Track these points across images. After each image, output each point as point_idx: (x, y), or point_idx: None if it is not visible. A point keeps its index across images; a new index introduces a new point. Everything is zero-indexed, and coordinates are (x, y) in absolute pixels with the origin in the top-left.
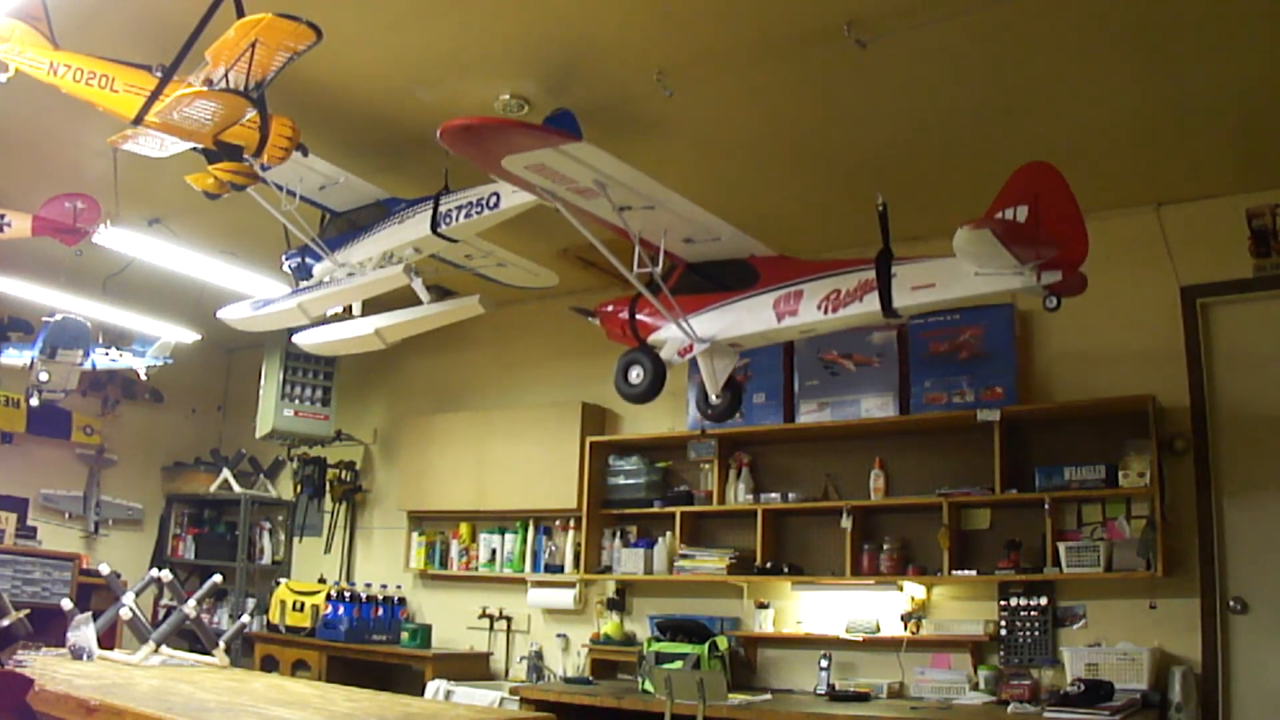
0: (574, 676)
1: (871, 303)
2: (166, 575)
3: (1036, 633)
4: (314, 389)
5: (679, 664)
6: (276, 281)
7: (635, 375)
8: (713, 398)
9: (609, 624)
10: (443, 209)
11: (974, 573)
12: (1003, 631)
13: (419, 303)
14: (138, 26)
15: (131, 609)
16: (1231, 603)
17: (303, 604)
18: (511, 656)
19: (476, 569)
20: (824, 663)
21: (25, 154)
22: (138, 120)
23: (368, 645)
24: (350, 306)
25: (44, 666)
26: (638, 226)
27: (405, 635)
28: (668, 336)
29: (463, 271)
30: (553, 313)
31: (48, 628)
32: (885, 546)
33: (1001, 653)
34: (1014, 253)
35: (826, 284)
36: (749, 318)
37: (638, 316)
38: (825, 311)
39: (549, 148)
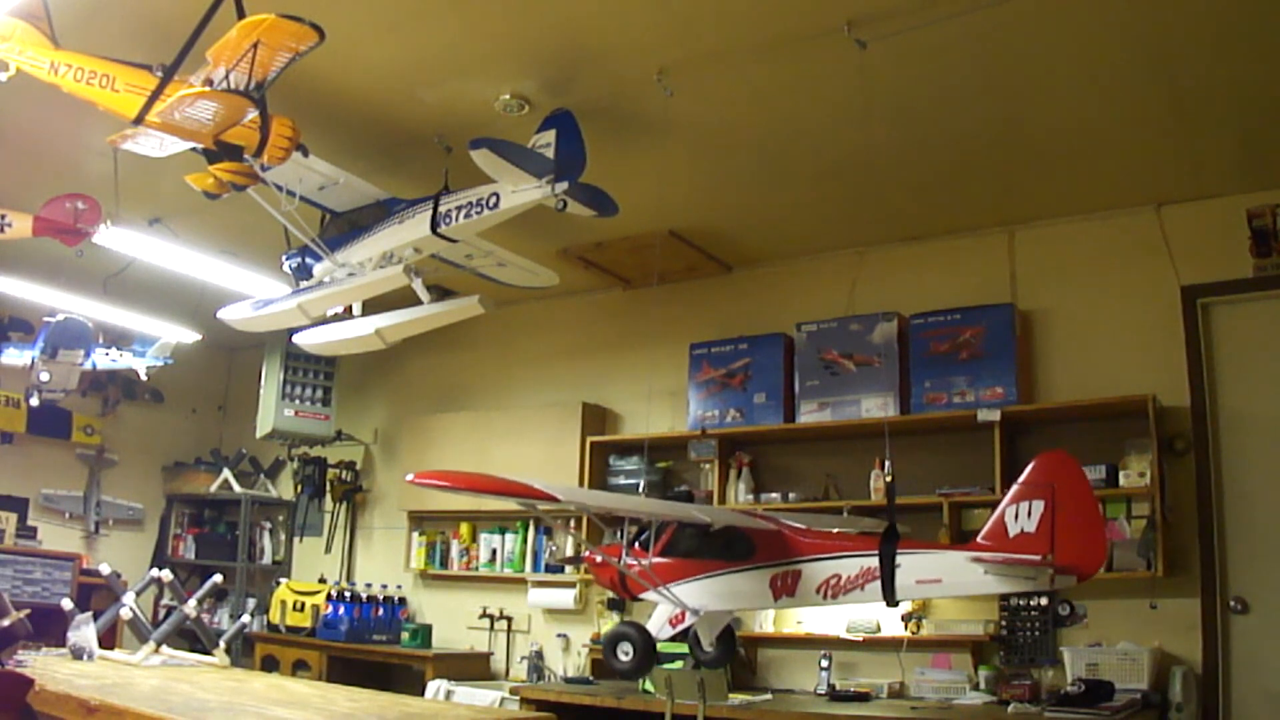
0: (574, 676)
1: (873, 592)
2: (167, 575)
3: (1037, 633)
4: (314, 389)
5: (679, 664)
6: (276, 281)
7: (624, 652)
8: (706, 646)
9: (609, 624)
10: (443, 209)
11: None
12: (1003, 631)
13: (419, 303)
14: (138, 26)
15: (132, 609)
16: (1231, 603)
17: (303, 604)
18: (512, 656)
19: (477, 569)
20: (824, 663)
21: (25, 154)
22: (138, 120)
23: (368, 645)
24: (350, 306)
25: (44, 666)
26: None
27: (405, 635)
28: (659, 598)
29: (463, 271)
30: (553, 313)
31: (48, 628)
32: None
33: (1002, 653)
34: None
35: (827, 567)
36: (745, 592)
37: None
38: (825, 595)
39: (528, 497)
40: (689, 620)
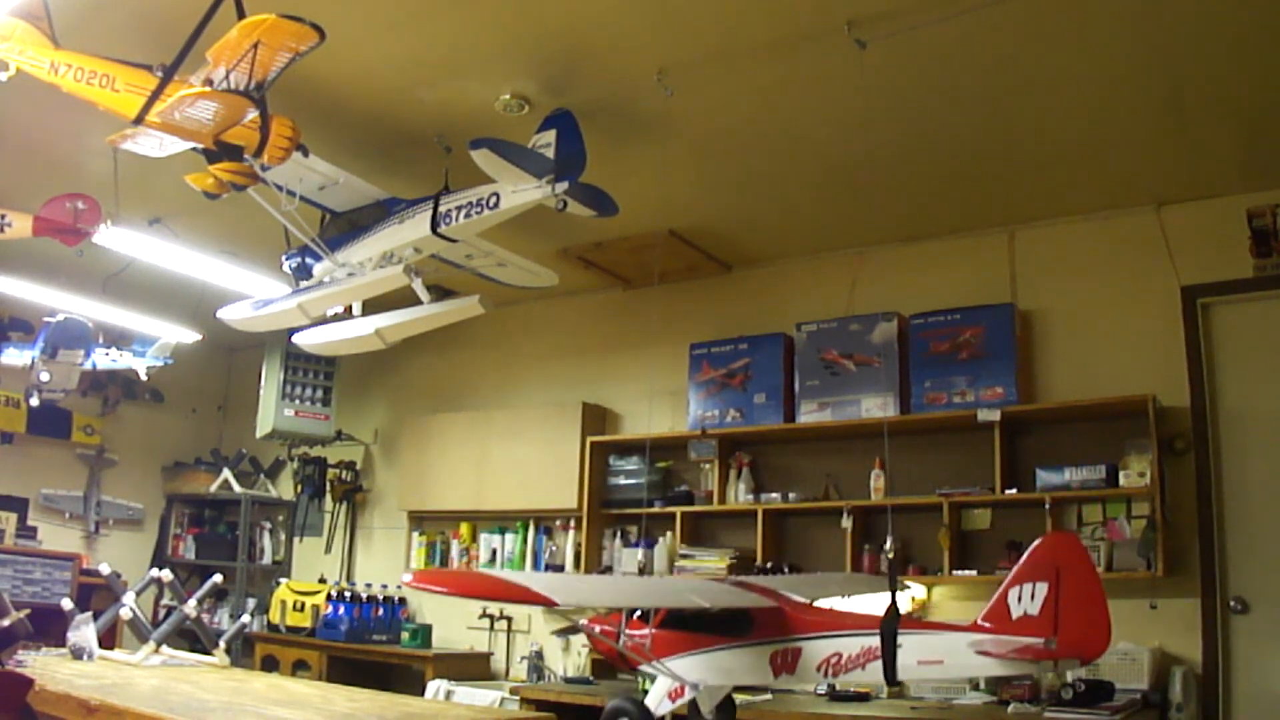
0: (574, 676)
1: (874, 671)
2: (167, 575)
3: None
4: (314, 389)
5: None
6: (276, 281)
7: None
8: (705, 714)
9: None
10: (443, 209)
11: (974, 573)
12: None
13: (419, 303)
14: (139, 26)
15: (132, 609)
16: (1231, 603)
17: (303, 604)
18: (512, 656)
19: (477, 569)
20: None
21: (25, 154)
22: (139, 120)
23: (368, 645)
24: (350, 306)
25: (44, 666)
26: None
27: (405, 635)
28: (658, 672)
29: (463, 271)
30: (553, 313)
31: (48, 628)
32: (885, 547)
33: None
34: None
35: (828, 645)
36: (744, 669)
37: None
38: (825, 674)
39: (528, 602)
40: (688, 695)
